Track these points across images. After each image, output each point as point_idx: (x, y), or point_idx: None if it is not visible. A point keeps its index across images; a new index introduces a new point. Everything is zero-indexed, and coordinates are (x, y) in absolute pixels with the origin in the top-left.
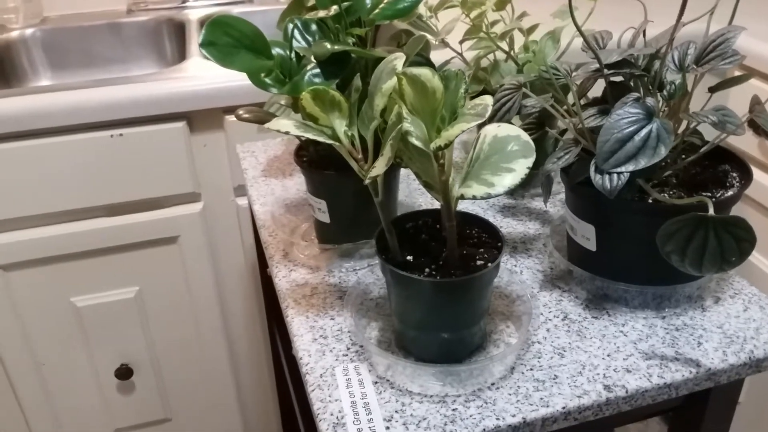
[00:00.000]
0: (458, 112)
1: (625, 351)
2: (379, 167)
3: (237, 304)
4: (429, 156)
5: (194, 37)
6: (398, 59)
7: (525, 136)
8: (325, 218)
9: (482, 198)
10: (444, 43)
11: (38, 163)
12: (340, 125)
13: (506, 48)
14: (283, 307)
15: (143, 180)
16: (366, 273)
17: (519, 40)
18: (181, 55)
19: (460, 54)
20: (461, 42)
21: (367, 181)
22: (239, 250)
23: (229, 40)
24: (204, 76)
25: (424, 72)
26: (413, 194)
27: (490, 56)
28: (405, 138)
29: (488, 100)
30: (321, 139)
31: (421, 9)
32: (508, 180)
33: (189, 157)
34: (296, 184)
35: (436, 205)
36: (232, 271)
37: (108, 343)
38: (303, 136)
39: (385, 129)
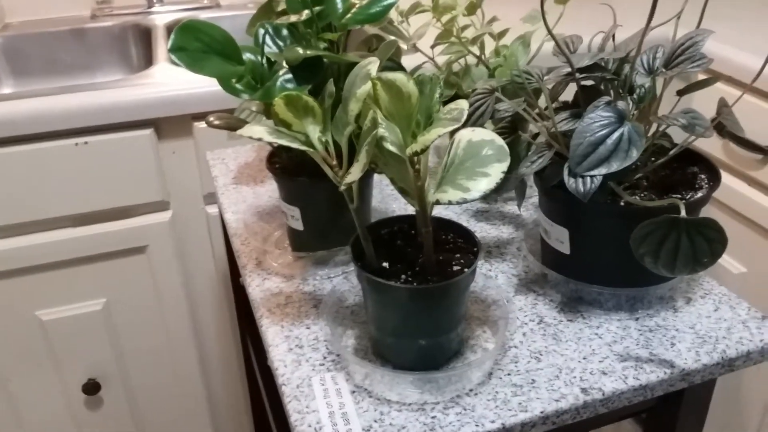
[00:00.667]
0: (434, 116)
1: (600, 353)
2: (355, 173)
3: (208, 315)
4: (404, 161)
5: (161, 43)
6: (372, 64)
7: (499, 141)
8: (299, 225)
9: (458, 203)
10: (416, 48)
11: (1, 172)
12: (314, 131)
13: (477, 52)
14: (257, 316)
15: (110, 189)
16: (341, 281)
17: (489, 44)
18: (148, 60)
19: (432, 59)
20: (433, 47)
21: (342, 188)
22: (209, 259)
23: (199, 45)
24: (172, 82)
25: (398, 77)
26: (386, 200)
27: (461, 61)
28: (380, 143)
29: (463, 104)
30: (294, 145)
31: (392, 14)
32: (484, 185)
33: (157, 164)
34: (268, 191)
35: (411, 210)
36: (202, 281)
37: (75, 357)
38: (276, 143)
39: (359, 134)
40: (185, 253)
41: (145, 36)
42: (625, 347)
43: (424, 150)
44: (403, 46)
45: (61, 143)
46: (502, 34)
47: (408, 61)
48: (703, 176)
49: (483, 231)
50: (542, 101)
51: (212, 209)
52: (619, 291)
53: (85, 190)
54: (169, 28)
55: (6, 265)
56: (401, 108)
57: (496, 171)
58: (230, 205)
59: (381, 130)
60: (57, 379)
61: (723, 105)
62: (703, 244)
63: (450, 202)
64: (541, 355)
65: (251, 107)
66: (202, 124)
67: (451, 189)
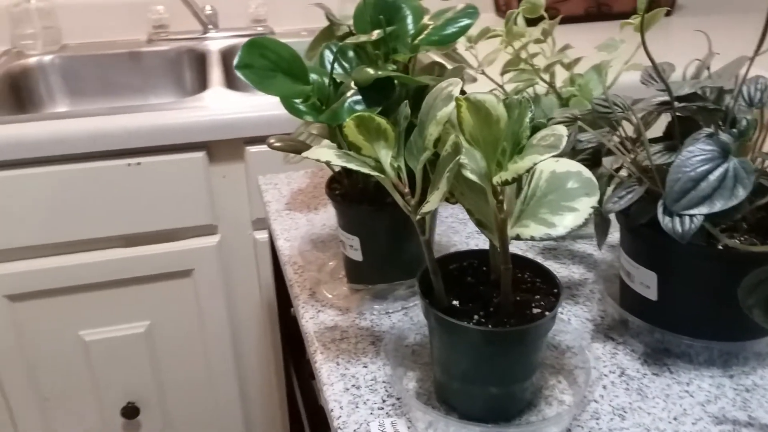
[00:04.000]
0: (524, 143)
1: (693, 414)
2: (433, 202)
3: (250, 345)
4: (484, 191)
5: (215, 67)
6: (454, 85)
7: (587, 173)
8: (357, 256)
9: (541, 239)
10: (484, 74)
11: (53, 190)
12: (386, 156)
13: (549, 80)
14: (310, 351)
15: (159, 210)
16: (400, 317)
17: (559, 74)
18: (201, 85)
19: (501, 86)
20: (502, 73)
21: (417, 217)
22: (255, 286)
23: (266, 63)
24: (225, 106)
25: (488, 98)
26: (447, 232)
27: (530, 90)
28: (459, 171)
29: (561, 130)
30: (364, 170)
31: (459, 40)
32: (570, 220)
33: (207, 188)
34: (322, 219)
35: (473, 245)
36: (246, 309)
37: (115, 379)
38: (344, 167)
39: (434, 160)
40: (230, 279)
41: (199, 61)
42: (720, 408)
43: (516, 179)
44: (471, 73)
45: (114, 163)
46: (575, 62)
47: (471, 89)
48: None
49: (552, 270)
50: (627, 133)
51: (260, 235)
52: (711, 344)
53: (135, 211)
54: (224, 54)
55: (52, 283)
56: (488, 133)
57: (585, 206)
58: (283, 231)
59: (461, 157)
60: (96, 400)
61: None
62: None
63: (532, 238)
64: (625, 412)
65: (312, 131)
66: (254, 149)
67: (533, 224)
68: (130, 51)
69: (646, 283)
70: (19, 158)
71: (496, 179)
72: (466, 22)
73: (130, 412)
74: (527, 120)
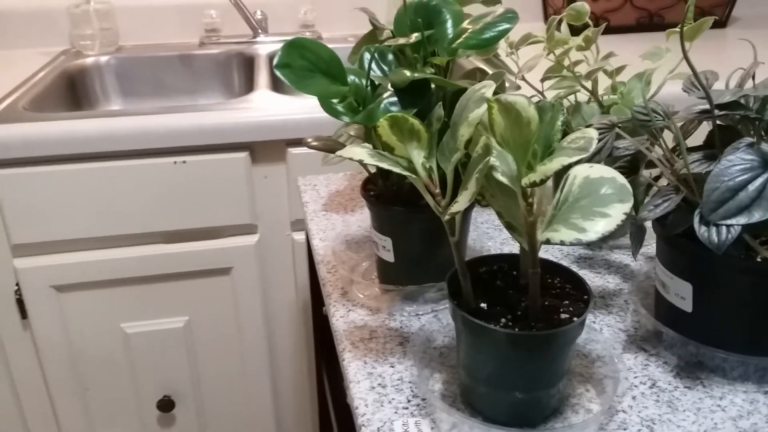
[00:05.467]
0: (554, 146)
1: (724, 428)
2: (462, 203)
3: (285, 343)
4: (514, 194)
5: (262, 70)
6: (487, 87)
7: (621, 179)
8: (389, 257)
9: (571, 244)
10: (524, 81)
11: (101, 185)
12: (418, 156)
13: (590, 88)
14: (339, 349)
15: (202, 208)
16: (430, 319)
17: (602, 82)
18: (248, 87)
19: (541, 92)
20: (543, 80)
21: (446, 218)
22: (291, 286)
23: (305, 63)
24: (269, 107)
25: (519, 100)
26: (481, 238)
27: (572, 97)
28: (489, 173)
29: (592, 133)
30: (396, 170)
31: (501, 46)
32: (602, 226)
33: (249, 188)
34: (358, 220)
35: (506, 250)
36: (282, 308)
37: (153, 372)
38: (377, 166)
39: (466, 162)
40: (268, 278)
41: (247, 64)
42: (752, 424)
43: (544, 181)
44: (513, 80)
45: (161, 161)
46: (618, 70)
47: None
48: None
49: (587, 279)
50: (668, 141)
51: (298, 236)
52: (747, 359)
53: (179, 208)
54: (271, 57)
55: (98, 275)
56: (518, 135)
57: (617, 212)
58: (318, 231)
59: (492, 159)
60: (134, 392)
61: None
62: None
63: (562, 243)
64: (654, 424)
65: (350, 132)
66: (296, 150)
67: (563, 228)
68: (182, 54)
69: (681, 294)
70: (71, 153)
71: (524, 181)
72: (504, 26)
73: (166, 405)
74: (559, 123)
